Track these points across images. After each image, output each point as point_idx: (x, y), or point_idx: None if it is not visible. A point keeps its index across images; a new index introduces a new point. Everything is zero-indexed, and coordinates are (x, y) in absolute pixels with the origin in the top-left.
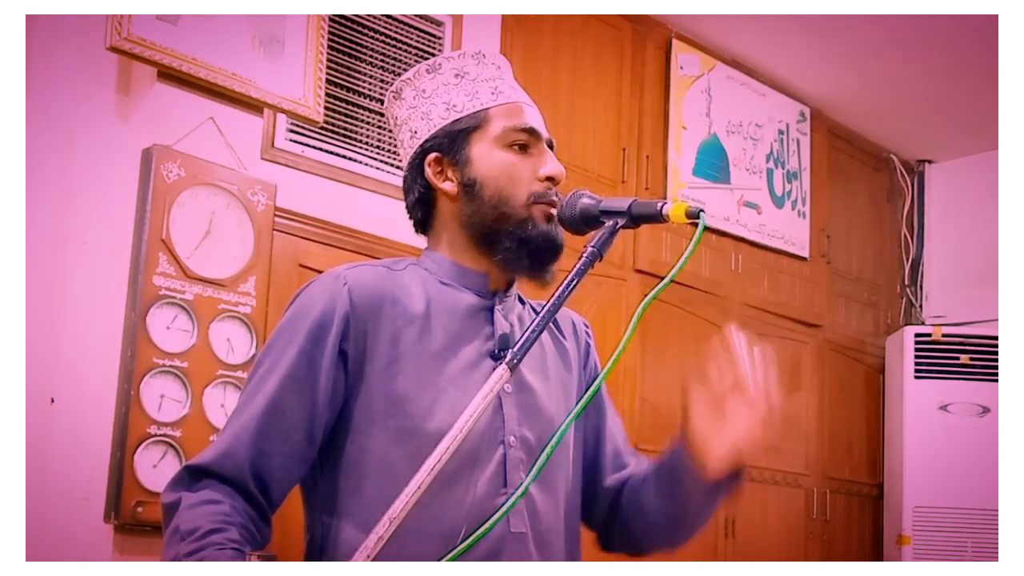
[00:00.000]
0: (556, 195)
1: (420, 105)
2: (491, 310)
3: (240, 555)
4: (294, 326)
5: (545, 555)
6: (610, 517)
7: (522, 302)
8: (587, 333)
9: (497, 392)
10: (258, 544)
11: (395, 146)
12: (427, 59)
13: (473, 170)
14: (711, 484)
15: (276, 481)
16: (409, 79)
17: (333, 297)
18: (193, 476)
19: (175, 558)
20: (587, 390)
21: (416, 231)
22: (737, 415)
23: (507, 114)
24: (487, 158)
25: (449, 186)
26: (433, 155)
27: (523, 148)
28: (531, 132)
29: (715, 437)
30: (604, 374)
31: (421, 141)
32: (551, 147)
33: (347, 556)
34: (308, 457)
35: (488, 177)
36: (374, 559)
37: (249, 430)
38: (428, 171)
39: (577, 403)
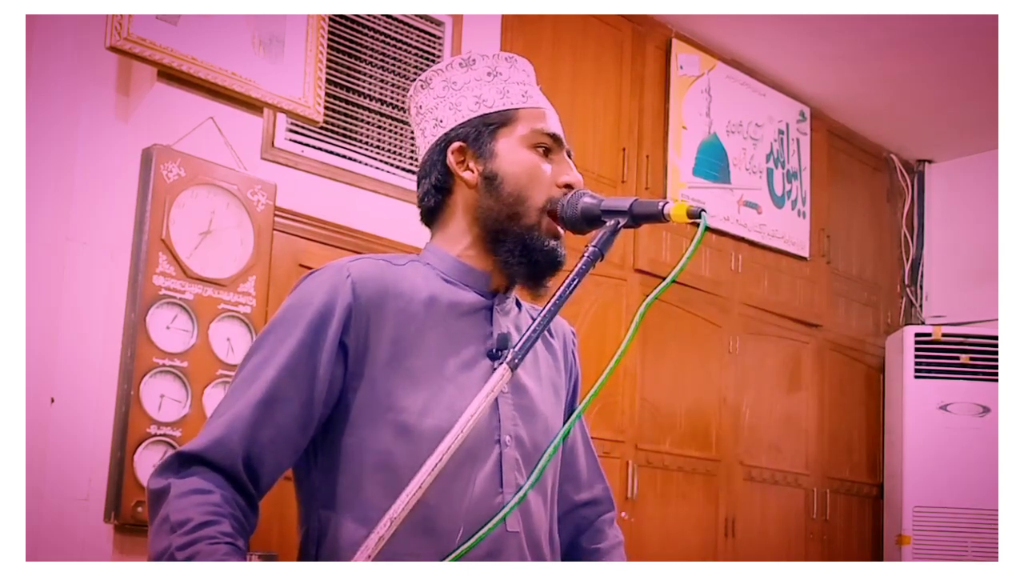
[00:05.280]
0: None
1: (449, 96)
2: (490, 309)
3: (233, 548)
4: (295, 316)
5: (535, 554)
6: (562, 532)
7: (518, 305)
8: (573, 342)
9: (498, 391)
10: (247, 533)
11: (395, 146)
12: (427, 59)
13: (496, 164)
14: None
15: (266, 470)
16: (440, 70)
17: (336, 289)
18: (183, 462)
19: (166, 548)
20: (587, 395)
21: (422, 220)
22: None
23: (534, 117)
24: (512, 155)
25: (470, 175)
26: (457, 144)
27: (546, 152)
28: (555, 138)
29: None
30: (605, 376)
31: (447, 129)
32: (569, 156)
33: (346, 550)
34: (300, 447)
35: (510, 173)
36: (375, 558)
37: (244, 419)
38: (451, 158)
39: (574, 409)
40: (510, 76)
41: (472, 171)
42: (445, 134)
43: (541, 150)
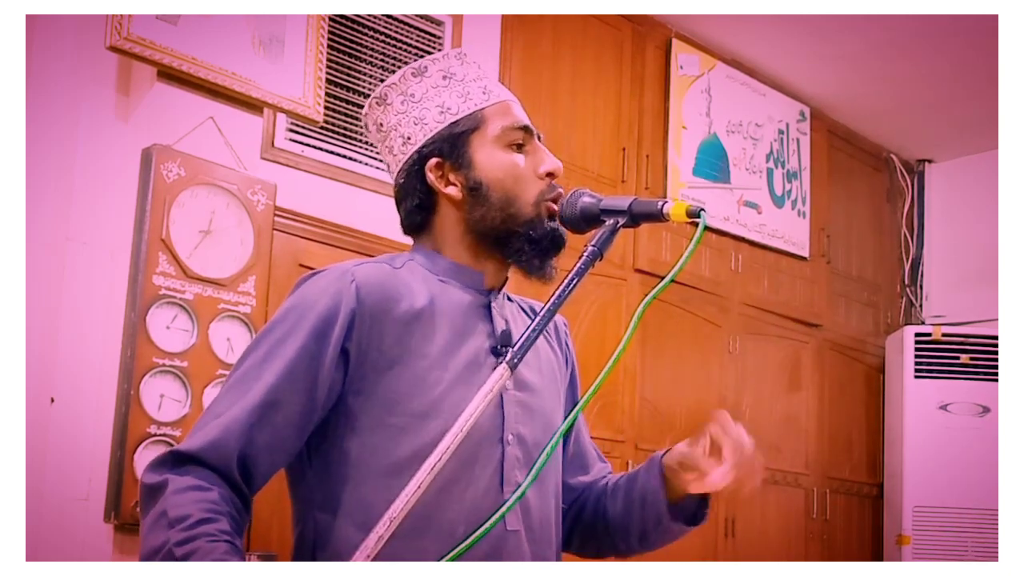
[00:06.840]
0: (559, 189)
1: (411, 110)
2: (488, 307)
3: (232, 547)
4: (297, 318)
5: (536, 552)
6: (573, 517)
7: (509, 299)
8: (566, 332)
9: (498, 391)
10: (242, 532)
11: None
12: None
13: (478, 173)
14: (678, 505)
15: (260, 472)
16: (394, 83)
17: (340, 293)
18: (178, 461)
19: (164, 543)
20: (589, 391)
21: (407, 234)
22: (733, 462)
23: (501, 113)
24: (490, 160)
25: (453, 190)
26: (434, 160)
27: (520, 147)
28: (526, 130)
29: (707, 462)
30: (604, 374)
31: (417, 146)
32: (540, 140)
33: (343, 553)
34: (295, 450)
35: (494, 179)
36: (374, 558)
37: (241, 422)
38: (430, 176)
39: (576, 405)
40: (465, 75)
41: (455, 184)
42: (417, 151)
43: (515, 147)
